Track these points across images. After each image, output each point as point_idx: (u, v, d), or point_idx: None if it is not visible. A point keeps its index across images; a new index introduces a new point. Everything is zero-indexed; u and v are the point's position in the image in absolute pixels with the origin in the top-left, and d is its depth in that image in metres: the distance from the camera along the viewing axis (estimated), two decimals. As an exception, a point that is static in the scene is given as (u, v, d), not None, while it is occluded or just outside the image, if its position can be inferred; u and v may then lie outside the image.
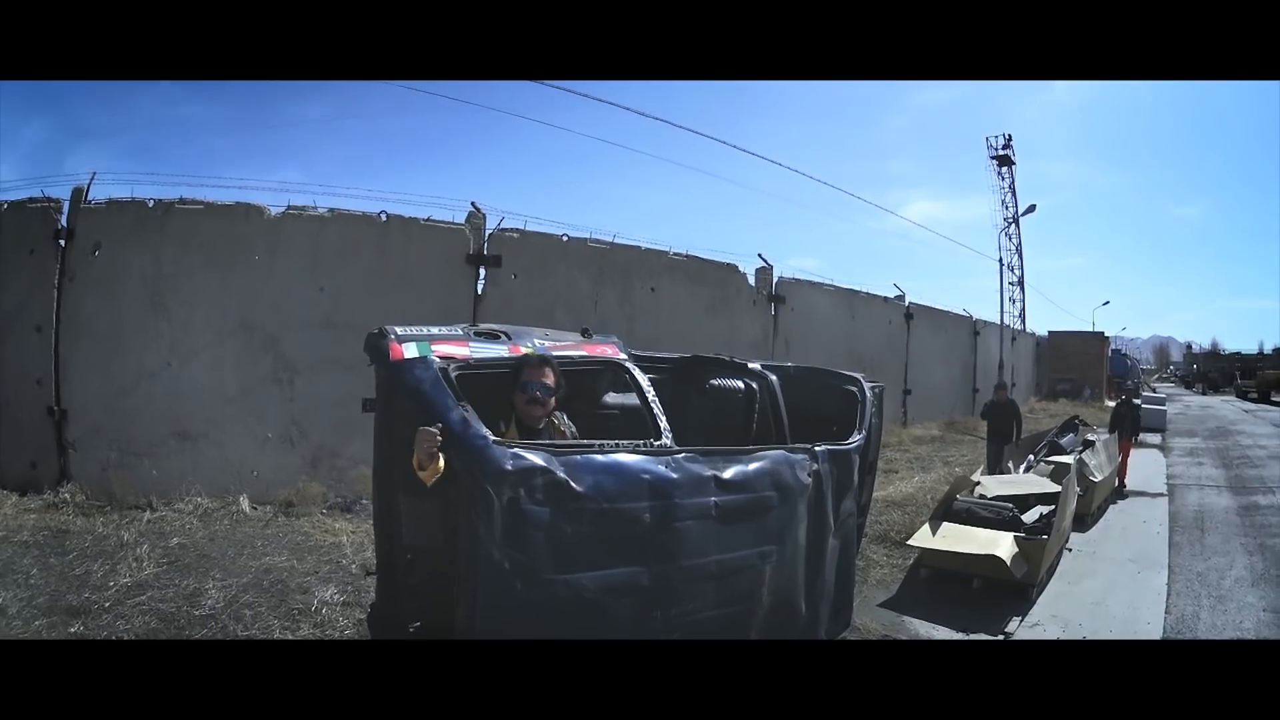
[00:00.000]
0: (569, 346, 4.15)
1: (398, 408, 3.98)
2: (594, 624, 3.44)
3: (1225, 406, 35.51)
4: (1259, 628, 5.94)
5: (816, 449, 4.67)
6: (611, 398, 4.59)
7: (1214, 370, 57.45)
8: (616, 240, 9.38)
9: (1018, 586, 6.42)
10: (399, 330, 3.56)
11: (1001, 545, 6.51)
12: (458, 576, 3.25)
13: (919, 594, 6.51)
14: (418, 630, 4.20)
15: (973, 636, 5.65)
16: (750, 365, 5.19)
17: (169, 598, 4.60)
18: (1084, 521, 9.12)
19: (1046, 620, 6.02)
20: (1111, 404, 19.03)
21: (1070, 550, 7.96)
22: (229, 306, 6.45)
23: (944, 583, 6.64)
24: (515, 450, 3.22)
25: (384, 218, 7.15)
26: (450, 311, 7.53)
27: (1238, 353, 64.69)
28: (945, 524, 7.11)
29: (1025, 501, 7.82)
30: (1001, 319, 27.48)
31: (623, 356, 4.33)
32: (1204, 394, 48.64)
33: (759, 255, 12.14)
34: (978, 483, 8.59)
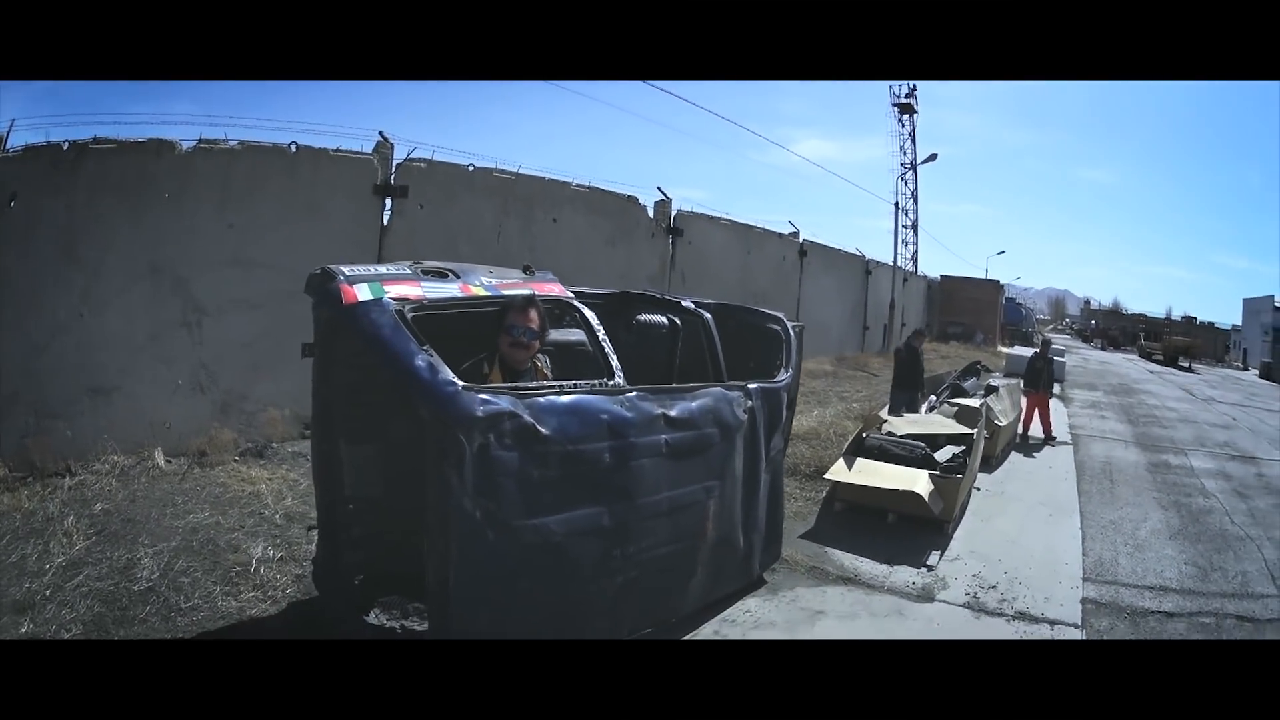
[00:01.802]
0: (518, 285, 4.03)
1: (338, 352, 3.81)
2: (561, 567, 3.44)
3: (1128, 365, 37.57)
4: (1181, 579, 6.35)
5: (750, 387, 4.79)
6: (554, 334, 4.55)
7: (1115, 328, 60.82)
8: (521, 171, 9.21)
9: (932, 522, 6.73)
10: (347, 270, 3.36)
11: (919, 482, 6.79)
12: (427, 530, 3.14)
13: (836, 527, 6.71)
14: (361, 583, 4.10)
15: (896, 568, 5.90)
16: (684, 303, 5.22)
17: (105, 574, 4.31)
18: (989, 464, 9.56)
19: (965, 555, 6.34)
20: (1006, 350, 20.05)
21: (979, 490, 8.33)
22: (139, 249, 5.94)
23: (858, 516, 6.89)
24: (483, 395, 3.13)
25: (294, 149, 6.75)
26: (357, 244, 7.29)
27: (1142, 314, 68.22)
28: (860, 460, 7.37)
29: (934, 441, 8.17)
30: (895, 260, 28.46)
31: (570, 295, 4.25)
32: (1103, 350, 51.24)
33: (658, 188, 12.19)
34: (885, 420, 8.96)
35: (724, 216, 14.41)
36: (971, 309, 36.02)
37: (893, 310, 26.02)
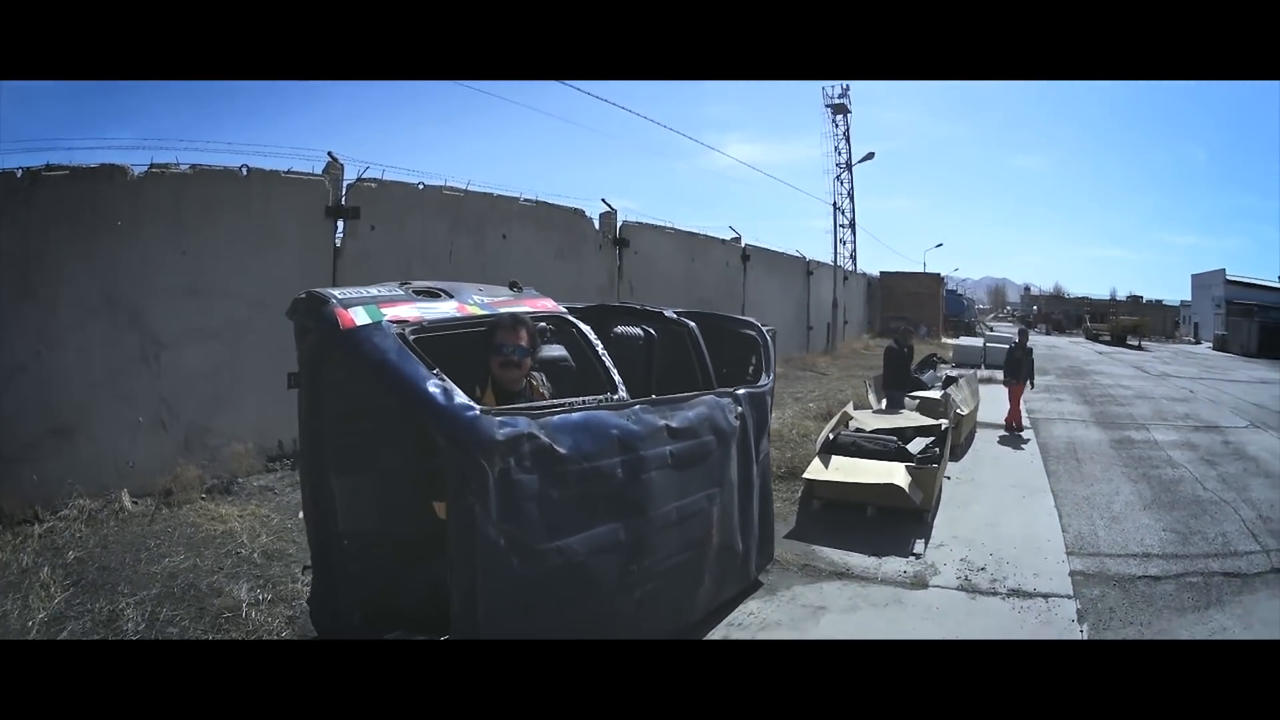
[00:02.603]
0: (510, 302, 3.93)
1: (326, 379, 3.67)
2: (583, 587, 3.36)
3: (1075, 347, 38.49)
4: (1162, 544, 6.55)
5: (739, 392, 4.81)
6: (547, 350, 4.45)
7: (1058, 312, 62.28)
8: (470, 188, 9.04)
9: (911, 512, 6.82)
10: (338, 293, 3.22)
11: (898, 474, 6.89)
12: (452, 560, 3.03)
13: (817, 524, 6.74)
14: (361, 621, 3.94)
15: (885, 559, 5.96)
16: (666, 313, 5.20)
17: (89, 628, 4.06)
18: (954, 453, 9.66)
19: (949, 541, 6.45)
20: (951, 341, 20.54)
21: (949, 478, 8.46)
22: (93, 281, 5.60)
23: (837, 512, 6.93)
24: (500, 418, 3.02)
25: (245, 172, 6.48)
26: (310, 267, 7.06)
27: (1085, 297, 69.83)
28: (835, 457, 7.44)
29: (903, 434, 8.31)
30: (835, 260, 29.00)
31: (563, 310, 4.17)
32: (1048, 334, 52.31)
33: (602, 200, 12.10)
34: (852, 417, 9.08)
35: (668, 225, 14.46)
36: (913, 303, 36.36)
37: (835, 309, 26.43)
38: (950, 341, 24.88)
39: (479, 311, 3.62)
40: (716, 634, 4.54)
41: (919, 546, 6.29)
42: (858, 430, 8.39)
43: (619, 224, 12.43)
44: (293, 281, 6.81)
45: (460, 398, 2.93)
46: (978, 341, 23.96)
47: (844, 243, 38.40)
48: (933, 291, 39.03)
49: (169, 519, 5.67)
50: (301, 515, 5.91)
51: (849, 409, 9.65)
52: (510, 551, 2.99)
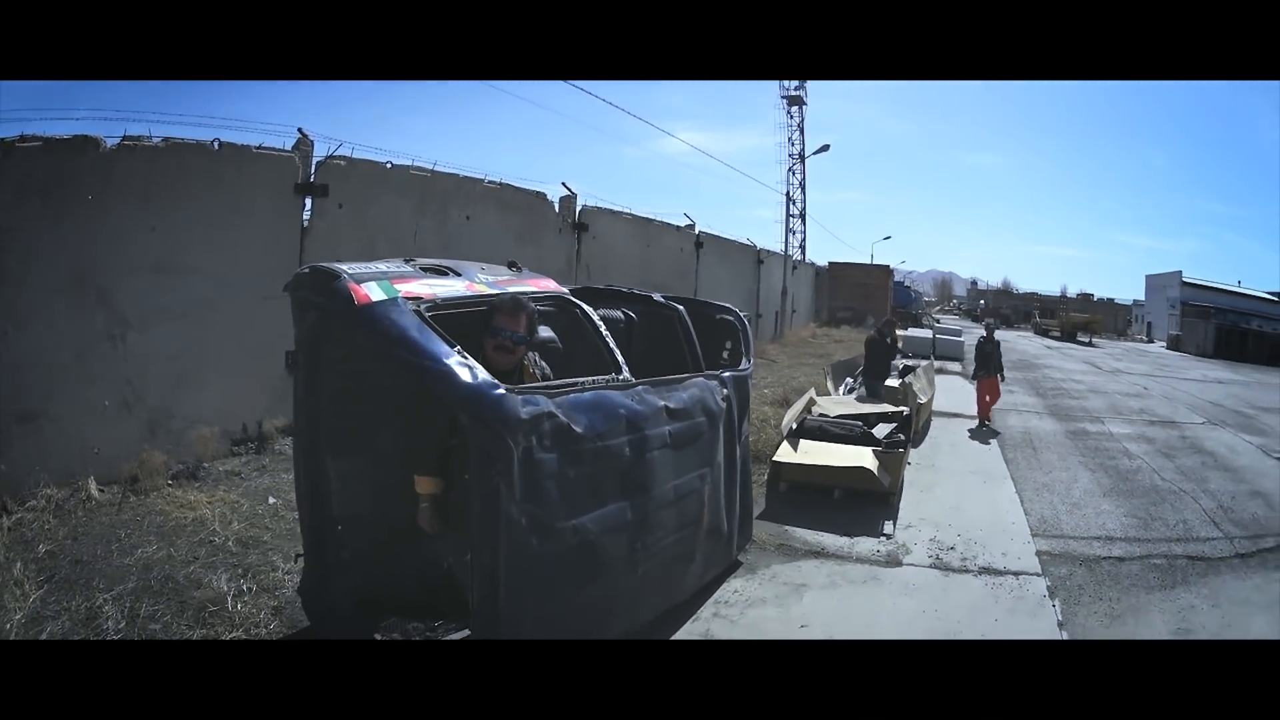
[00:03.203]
0: (514, 281, 3.90)
1: (325, 359, 3.59)
2: (595, 565, 3.38)
3: (1024, 342, 39.07)
4: (1124, 529, 6.85)
5: (724, 375, 4.88)
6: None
7: (1006, 306, 63.21)
8: (437, 168, 8.93)
9: (877, 495, 6.98)
10: (349, 268, 3.12)
11: (866, 458, 7.07)
12: (474, 540, 3.00)
13: (786, 506, 6.85)
14: (356, 608, 3.88)
15: (857, 539, 6.12)
16: (655, 297, 5.24)
17: (70, 628, 3.85)
18: (913, 440, 9.81)
19: (916, 522, 6.65)
20: (900, 332, 20.94)
21: (910, 464, 8.55)
22: (63, 257, 5.28)
23: (804, 494, 7.07)
24: (523, 397, 3.00)
25: (217, 146, 6.26)
26: (278, 245, 6.90)
27: (1035, 293, 70.41)
28: (803, 441, 7.59)
29: (866, 420, 8.51)
30: (786, 249, 29.32)
31: (565, 291, 4.17)
32: (995, 328, 52.95)
33: (563, 184, 12.02)
34: (815, 402, 9.26)
35: (625, 211, 14.45)
36: (861, 294, 36.90)
37: (785, 298, 26.74)
38: (900, 333, 25.50)
39: (487, 290, 3.58)
40: (706, 611, 4.63)
41: (888, 527, 6.47)
42: (821, 415, 8.54)
43: (578, 208, 12.39)
44: (260, 260, 6.66)
45: (485, 375, 2.90)
46: (927, 333, 24.50)
47: (794, 232, 38.86)
48: (881, 283, 39.42)
49: (137, 507, 5.45)
50: (272, 501, 5.83)
51: (812, 394, 9.82)
52: (531, 531, 2.98)
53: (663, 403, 3.92)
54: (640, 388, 3.77)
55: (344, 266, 3.13)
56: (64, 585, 4.28)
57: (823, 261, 39.41)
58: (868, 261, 43.50)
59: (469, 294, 3.49)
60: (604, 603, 3.51)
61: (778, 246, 28.47)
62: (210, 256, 6.19)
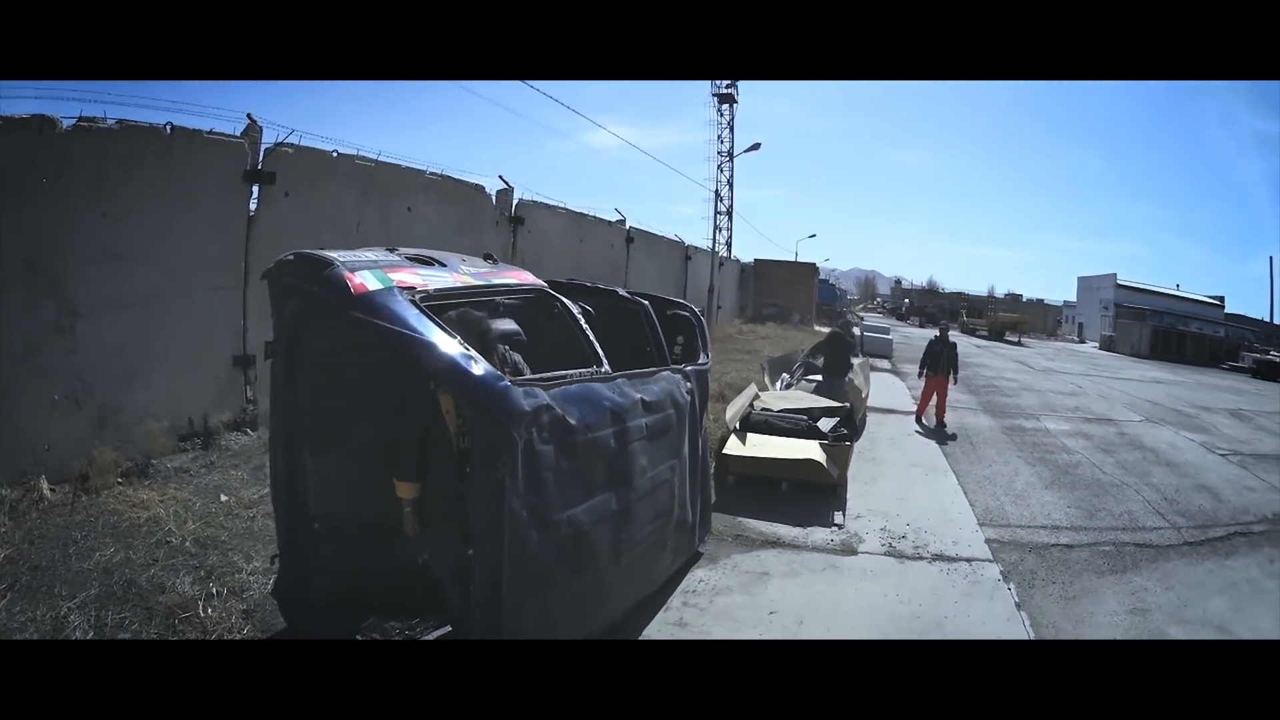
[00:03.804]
0: (493, 273, 3.92)
1: (304, 350, 3.54)
2: (586, 556, 3.44)
3: (952, 340, 39.80)
4: (1069, 519, 7.20)
5: (687, 369, 4.98)
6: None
7: (932, 305, 63.86)
8: (381, 158, 8.82)
9: (823, 487, 7.18)
10: (339, 256, 3.08)
11: (814, 451, 7.26)
12: (477, 534, 3.00)
13: (736, 497, 6.96)
14: (333, 608, 3.83)
15: (809, 529, 6.30)
16: (620, 292, 5.31)
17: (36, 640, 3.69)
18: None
19: (865, 513, 6.86)
20: (824, 330, 21.39)
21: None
22: (16, 244, 4.99)
23: (751, 487, 7.20)
24: (525, 389, 3.02)
25: (170, 130, 6.02)
26: (224, 234, 6.70)
27: (961, 292, 70.66)
28: (749, 434, 7.74)
29: (810, 414, 8.69)
30: (714, 246, 29.52)
31: (544, 285, 4.20)
32: (921, 327, 53.10)
33: (500, 177, 11.98)
34: (757, 397, 9.42)
35: (560, 205, 14.45)
36: (786, 291, 36.85)
37: (711, 294, 26.95)
38: (826, 330, 25.89)
39: (473, 281, 3.59)
40: (675, 601, 4.74)
41: (839, 518, 6.67)
42: (765, 410, 8.69)
43: (515, 202, 12.38)
44: (207, 249, 6.46)
45: (489, 367, 2.91)
46: (854, 330, 25.14)
47: (720, 229, 39.21)
48: (807, 280, 39.59)
49: (90, 507, 5.22)
50: (224, 499, 5.67)
51: (754, 389, 9.98)
52: (531, 523, 3.01)
53: (639, 395, 3.99)
54: (619, 380, 3.83)
55: (333, 254, 3.09)
56: (26, 594, 4.08)
57: (748, 258, 39.65)
58: (792, 259, 43.95)
59: (457, 285, 3.49)
60: (592, 594, 3.56)
61: (702, 243, 28.66)
62: (159, 244, 5.95)
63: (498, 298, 3.85)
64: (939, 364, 11.66)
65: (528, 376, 3.27)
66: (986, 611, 5.02)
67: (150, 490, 5.59)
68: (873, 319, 50.63)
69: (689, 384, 4.89)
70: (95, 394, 5.67)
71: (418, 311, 2.94)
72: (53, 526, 4.91)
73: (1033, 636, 4.70)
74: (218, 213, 6.61)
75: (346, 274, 2.96)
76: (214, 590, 4.26)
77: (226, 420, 6.80)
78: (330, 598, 3.85)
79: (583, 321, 3.98)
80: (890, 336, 24.70)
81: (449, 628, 3.79)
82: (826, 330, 20.81)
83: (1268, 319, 49.37)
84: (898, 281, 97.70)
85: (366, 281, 2.97)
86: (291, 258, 3.15)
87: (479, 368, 2.88)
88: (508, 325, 3.91)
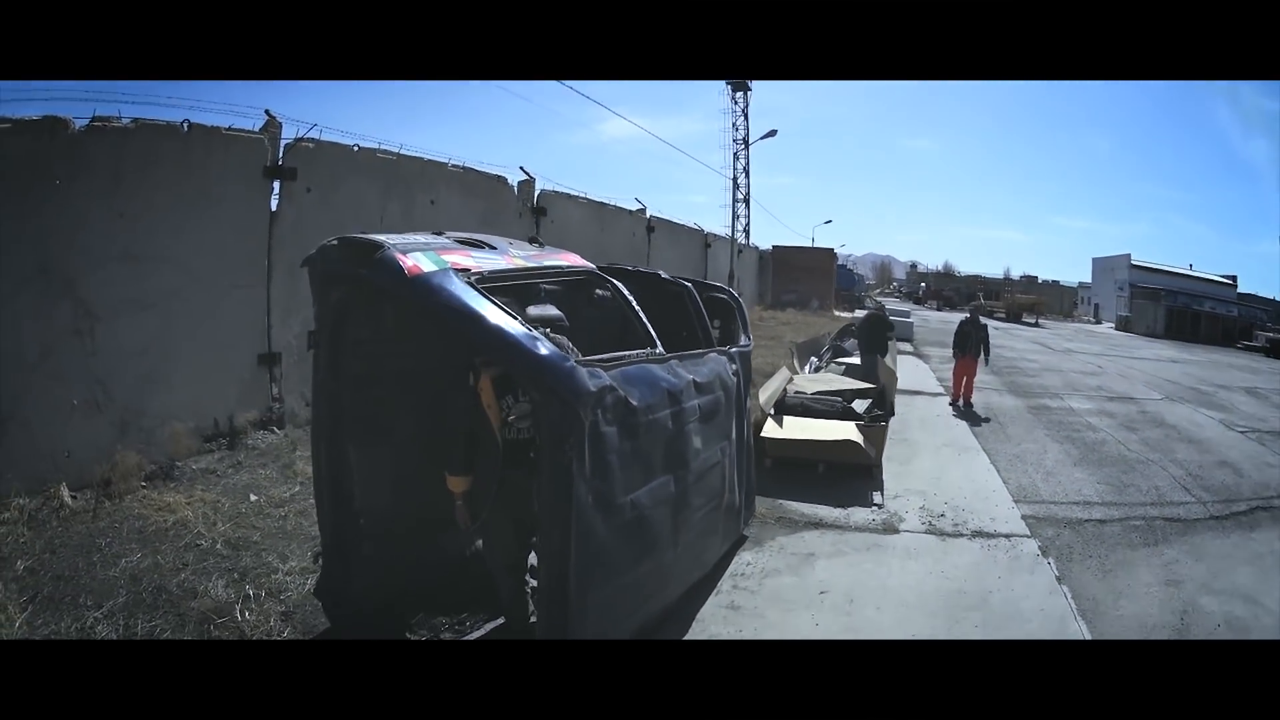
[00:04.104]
0: (541, 256, 3.79)
1: (348, 339, 3.42)
2: (648, 541, 3.33)
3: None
4: (1100, 495, 7.13)
5: (732, 350, 4.86)
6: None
7: (948, 289, 63.85)
8: (403, 151, 8.69)
9: (860, 468, 7.10)
10: (389, 239, 2.94)
11: (851, 431, 7.17)
12: (542, 522, 2.88)
13: (773, 481, 6.82)
14: (378, 607, 3.72)
15: (850, 510, 6.22)
16: (662, 275, 5.21)
17: None
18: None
19: (902, 493, 6.77)
20: (843, 315, 21.34)
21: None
22: (28, 247, 4.79)
23: (788, 469, 7.09)
24: (589, 369, 2.90)
25: (186, 128, 5.87)
26: (246, 231, 6.58)
27: (978, 275, 69.64)
28: (785, 417, 7.65)
29: (843, 396, 8.65)
30: (733, 234, 29.48)
31: (593, 267, 4.09)
32: (938, 310, 51.74)
33: (521, 168, 11.85)
34: (790, 380, 9.35)
35: (581, 195, 14.34)
36: (805, 277, 36.49)
37: (731, 281, 26.91)
38: (846, 315, 25.70)
39: (525, 264, 3.46)
40: (725, 584, 4.67)
41: (878, 498, 6.60)
42: (799, 393, 8.61)
43: (536, 193, 12.26)
44: (228, 247, 6.33)
45: (553, 346, 2.79)
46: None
47: (738, 217, 39.10)
48: (826, 266, 39.09)
49: (113, 513, 5.07)
50: (254, 498, 5.55)
51: (786, 372, 9.90)
52: (597, 508, 2.90)
53: (691, 376, 3.87)
54: (673, 361, 3.71)
55: (382, 238, 2.96)
56: (49, 605, 3.92)
57: (766, 245, 39.52)
58: (809, 245, 43.71)
59: (510, 267, 3.35)
60: (652, 578, 3.46)
61: (720, 230, 28.60)
62: (178, 244, 5.82)
63: (544, 281, 3.72)
64: (968, 345, 11.53)
65: (590, 357, 3.14)
66: (1029, 585, 5.00)
67: (176, 493, 5.44)
68: (889, 303, 50.45)
69: (734, 365, 4.78)
70: (116, 398, 5.54)
71: (477, 293, 2.81)
72: (75, 534, 4.75)
73: (1074, 608, 4.68)
74: (238, 210, 6.49)
75: (399, 256, 2.82)
76: (250, 593, 4.11)
77: (252, 419, 6.69)
78: (374, 596, 3.74)
79: (634, 303, 3.83)
80: (911, 320, 24.63)
81: (500, 620, 3.69)
82: (860, 313, 20.80)
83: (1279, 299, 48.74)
84: (913, 266, 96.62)
85: (420, 263, 2.83)
86: (336, 242, 3.04)
87: (544, 348, 2.75)
88: (550, 310, 3.80)
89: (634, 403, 3.09)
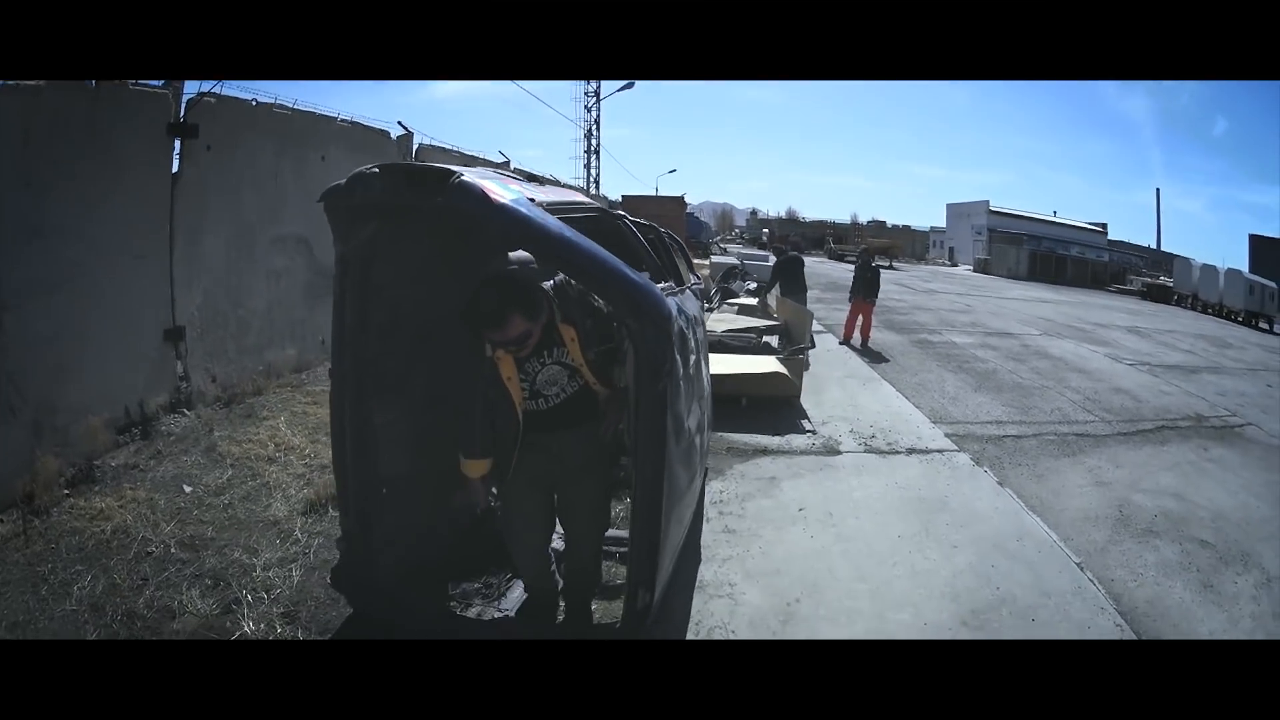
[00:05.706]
0: (549, 192, 3.64)
1: (374, 283, 3.16)
2: (692, 472, 3.37)
3: (824, 266, 40.73)
4: (1008, 415, 7.87)
5: (698, 287, 5.12)
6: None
7: (795, 234, 65.66)
8: (297, 106, 8.31)
9: (780, 399, 7.53)
10: (463, 171, 2.62)
11: (775, 364, 7.62)
12: (636, 458, 2.74)
13: None
14: (400, 585, 3.44)
15: (788, 437, 6.63)
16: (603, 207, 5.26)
17: None
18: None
19: (828, 419, 7.29)
20: (705, 261, 21.88)
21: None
22: None
23: (714, 404, 7.42)
24: (664, 294, 2.85)
25: (95, 84, 5.19)
26: (148, 195, 5.96)
27: (824, 220, 72.97)
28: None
29: (754, 332, 9.12)
30: (588, 184, 29.55)
31: (603, 205, 4.09)
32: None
33: (399, 123, 11.59)
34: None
35: (454, 149, 14.11)
36: (655, 224, 37.10)
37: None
38: (706, 261, 26.24)
39: (560, 198, 3.30)
40: (710, 512, 4.94)
41: (808, 425, 7.03)
42: (709, 331, 8.90)
43: (415, 147, 11.97)
44: (130, 214, 5.76)
45: (633, 270, 2.72)
46: (733, 259, 25.94)
47: (588, 168, 39.75)
48: (676, 214, 38.95)
49: (45, 532, 4.35)
50: (189, 489, 5.11)
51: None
52: (675, 437, 2.82)
53: (693, 307, 4.02)
54: (688, 292, 3.84)
55: (458, 168, 2.65)
56: (3, 642, 3.31)
57: (615, 196, 39.85)
58: (652, 193, 44.15)
59: (557, 199, 3.10)
60: (681, 510, 3.32)
61: (573, 182, 28.61)
62: (84, 214, 5.14)
63: (578, 215, 3.54)
64: (863, 289, 12.37)
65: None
66: (976, 489, 5.60)
67: (104, 496, 4.71)
68: (733, 248, 51.61)
69: (697, 300, 4.94)
70: (29, 396, 4.83)
71: (557, 220, 2.63)
72: (12, 566, 3.99)
73: (1024, 505, 5.28)
74: (142, 173, 5.83)
75: (481, 183, 2.55)
76: (243, 598, 3.69)
77: (163, 403, 6.08)
78: (397, 572, 3.46)
79: (640, 236, 3.84)
80: (770, 264, 25.54)
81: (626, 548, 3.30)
82: (711, 260, 21.41)
83: (1154, 246, 52.41)
84: (753, 212, 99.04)
85: (498, 191, 2.57)
86: (376, 169, 2.71)
87: (636, 271, 2.71)
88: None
89: (684, 329, 3.08)
